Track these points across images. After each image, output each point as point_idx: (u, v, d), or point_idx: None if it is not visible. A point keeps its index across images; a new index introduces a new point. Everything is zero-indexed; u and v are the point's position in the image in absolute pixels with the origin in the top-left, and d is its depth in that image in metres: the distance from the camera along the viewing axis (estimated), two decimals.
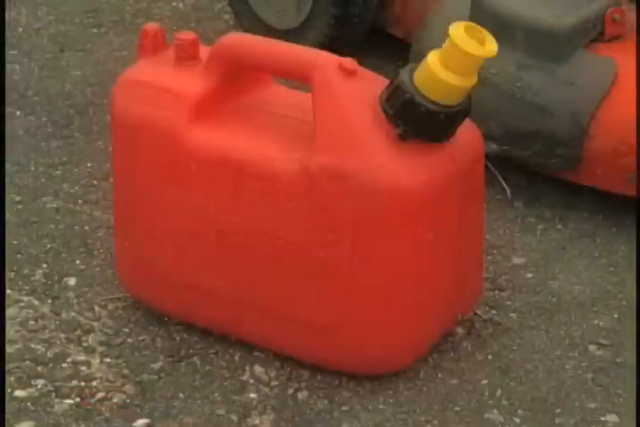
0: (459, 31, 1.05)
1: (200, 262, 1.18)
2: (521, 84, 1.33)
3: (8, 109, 1.57)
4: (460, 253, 1.16)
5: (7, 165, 1.45)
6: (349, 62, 1.11)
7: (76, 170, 1.44)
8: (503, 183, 1.38)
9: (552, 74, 1.32)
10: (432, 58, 1.07)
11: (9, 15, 1.71)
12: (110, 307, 1.26)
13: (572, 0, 1.38)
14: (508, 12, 1.35)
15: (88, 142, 1.46)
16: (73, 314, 1.25)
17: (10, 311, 1.25)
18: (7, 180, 1.44)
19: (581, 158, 1.32)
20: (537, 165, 1.37)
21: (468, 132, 1.13)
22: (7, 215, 1.38)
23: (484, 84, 1.24)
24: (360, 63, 1.14)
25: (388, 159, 1.09)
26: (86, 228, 1.36)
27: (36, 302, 1.27)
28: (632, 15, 1.39)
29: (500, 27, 1.30)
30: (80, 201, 1.40)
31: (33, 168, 1.46)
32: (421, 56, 1.10)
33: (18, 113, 1.55)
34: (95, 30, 1.70)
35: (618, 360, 1.19)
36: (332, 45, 1.52)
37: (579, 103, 1.31)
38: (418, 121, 1.08)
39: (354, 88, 1.10)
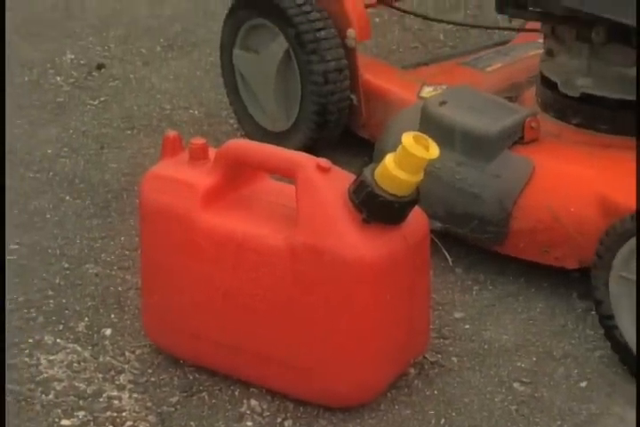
0: (409, 139, 1.06)
1: (208, 317, 1.17)
2: (459, 177, 1.33)
3: (60, 195, 1.56)
4: (412, 310, 1.16)
5: (58, 239, 1.45)
6: (325, 162, 1.11)
7: (112, 243, 1.43)
8: (446, 253, 1.38)
9: (483, 169, 1.31)
10: (388, 159, 1.08)
11: (62, 120, 1.71)
12: (137, 352, 1.25)
13: (498, 112, 1.38)
14: (449, 122, 1.35)
15: (122, 221, 1.46)
16: (108, 358, 1.24)
17: (58, 356, 1.24)
18: (58, 250, 1.43)
19: (507, 235, 1.31)
20: (472, 240, 1.36)
21: (416, 216, 1.14)
22: (57, 279, 1.38)
23: (431, 176, 1.24)
24: (334, 160, 1.14)
25: (355, 238, 1.09)
26: (119, 289, 1.35)
27: (79, 349, 1.26)
28: (546, 122, 1.38)
29: (443, 133, 1.31)
30: (115, 267, 1.39)
31: (78, 241, 1.45)
32: (382, 155, 1.11)
33: (67, 197, 1.54)
34: (129, 132, 1.69)
35: (536, 395, 1.18)
36: (313, 146, 1.52)
37: (504, 192, 1.31)
38: (377, 209, 1.08)
39: (328, 183, 1.11)
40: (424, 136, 1.08)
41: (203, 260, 1.15)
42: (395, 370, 1.18)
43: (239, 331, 1.15)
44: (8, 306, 1.31)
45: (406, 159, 1.06)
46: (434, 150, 1.07)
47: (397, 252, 1.11)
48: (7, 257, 1.39)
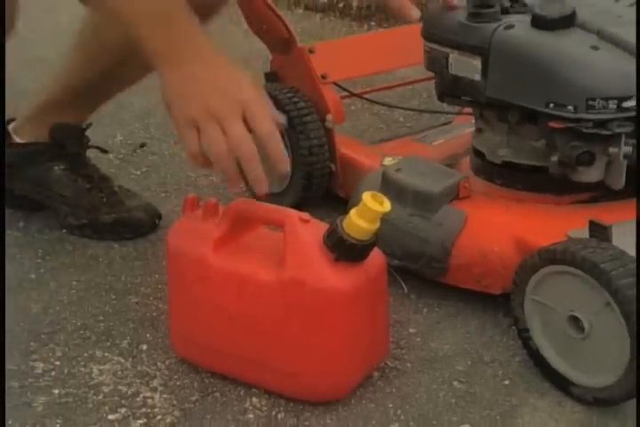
0: (367, 197, 1.08)
1: (218, 335, 1.18)
2: (411, 225, 1.32)
3: (110, 243, 1.53)
4: (374, 327, 1.17)
5: (108, 276, 1.45)
6: (305, 215, 1.13)
7: (149, 279, 1.43)
8: (402, 283, 1.38)
9: (429, 219, 1.30)
10: (352, 212, 1.09)
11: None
12: (167, 362, 1.26)
13: (440, 176, 1.36)
14: (403, 184, 1.33)
15: (157, 262, 1.45)
16: (144, 367, 1.25)
17: (106, 366, 1.24)
18: (107, 285, 1.42)
19: (448, 269, 1.31)
20: (422, 273, 1.35)
21: (376, 255, 1.15)
22: (106, 307, 1.37)
23: (389, 224, 1.25)
24: (318, 213, 1.16)
25: (328, 272, 1.11)
26: (154, 314, 1.35)
27: (122, 360, 1.26)
28: (476, 183, 1.37)
29: (399, 192, 1.32)
30: (151, 298, 1.39)
31: (123, 278, 1.45)
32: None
33: (116, 245, 1.53)
34: (163, 195, 1.69)
35: (470, 391, 1.19)
36: (302, 203, 1.53)
37: (445, 236, 1.30)
38: (345, 250, 1.10)
39: (308, 231, 1.12)
40: (380, 194, 1.09)
41: (213, 291, 1.16)
42: (362, 373, 1.19)
43: (242, 345, 1.16)
44: (69, 328, 1.32)
45: (366, 212, 1.08)
46: (387, 205, 1.09)
47: (361, 283, 1.12)
48: (70, 291, 1.41)
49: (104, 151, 1.62)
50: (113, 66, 1.44)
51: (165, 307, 1.33)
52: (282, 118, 1.11)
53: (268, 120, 1.01)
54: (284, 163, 1.08)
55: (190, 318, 1.20)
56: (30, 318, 1.35)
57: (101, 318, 1.35)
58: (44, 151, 1.53)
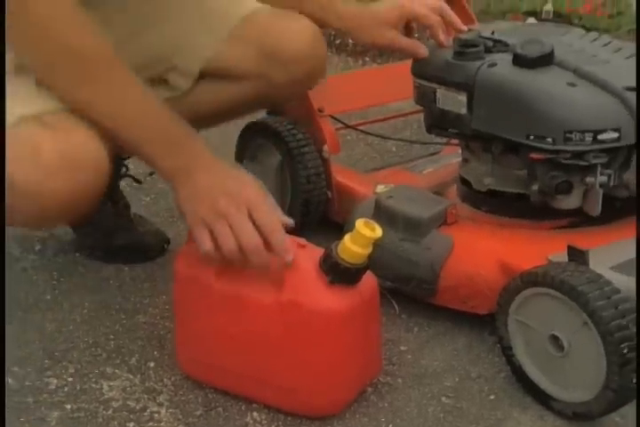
0: (360, 224, 1.08)
1: (220, 352, 1.17)
2: (402, 249, 1.31)
3: (120, 266, 1.52)
4: (368, 345, 1.17)
5: (118, 297, 1.44)
6: (302, 241, 1.12)
7: (157, 299, 1.42)
8: (394, 304, 1.38)
9: (419, 243, 1.30)
10: (346, 237, 1.09)
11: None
12: (173, 379, 1.25)
13: (429, 203, 1.35)
14: (394, 210, 1.33)
15: (164, 284, 1.44)
16: (151, 383, 1.24)
17: (116, 382, 1.24)
18: (118, 306, 1.42)
19: (437, 291, 1.30)
20: (413, 294, 1.35)
21: (368, 278, 1.14)
22: (116, 326, 1.36)
23: (382, 249, 1.23)
24: (313, 239, 1.15)
25: (324, 295, 1.10)
26: (161, 333, 1.34)
27: (131, 377, 1.26)
28: (463, 209, 1.37)
29: (390, 218, 1.32)
30: (158, 317, 1.38)
31: (132, 299, 1.44)
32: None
33: (126, 268, 1.52)
34: (170, 219, 1.66)
35: (458, 405, 1.18)
36: (301, 228, 1.49)
37: (434, 260, 1.29)
38: (339, 273, 1.09)
39: (305, 255, 1.12)
40: (371, 221, 1.09)
41: (216, 312, 1.15)
42: (357, 389, 1.18)
43: (243, 362, 1.16)
44: (81, 346, 1.32)
45: (358, 238, 1.08)
46: (378, 231, 1.09)
47: (355, 304, 1.11)
48: (83, 311, 1.41)
49: (137, 181, 1.62)
50: None
51: (172, 326, 1.31)
52: (290, 222, 1.12)
53: (270, 215, 1.06)
54: (288, 253, 1.09)
55: (195, 338, 1.19)
56: (45, 337, 1.34)
57: (112, 336, 1.34)
58: None
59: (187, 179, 1.05)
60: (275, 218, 1.07)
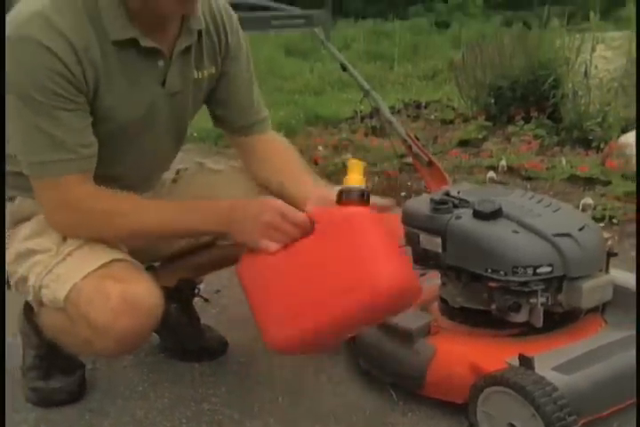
0: (350, 159, 1.14)
1: (295, 300, 1.09)
2: (397, 353, 1.30)
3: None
4: (393, 250, 1.13)
5: (189, 389, 1.42)
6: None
7: (217, 391, 1.38)
8: (393, 394, 1.35)
9: (410, 349, 1.28)
10: (345, 177, 1.13)
11: None
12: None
13: (416, 318, 1.33)
14: (389, 323, 1.30)
15: (224, 376, 1.42)
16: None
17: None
18: (189, 396, 1.40)
19: (424, 385, 1.28)
20: (406, 387, 1.33)
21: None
22: (188, 412, 1.34)
23: (382, 353, 1.25)
24: None
25: (346, 209, 1.12)
26: (220, 417, 1.30)
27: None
28: (444, 322, 1.37)
29: (387, 329, 1.31)
30: (218, 404, 1.34)
31: (200, 390, 1.40)
32: None
33: (196, 365, 1.47)
34: (228, 325, 1.62)
35: None
36: None
37: (422, 362, 1.28)
38: (352, 198, 1.12)
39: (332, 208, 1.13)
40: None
41: (280, 275, 1.11)
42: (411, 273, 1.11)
43: (313, 294, 1.07)
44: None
45: (353, 166, 1.13)
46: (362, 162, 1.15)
47: (369, 212, 1.12)
48: (164, 400, 1.39)
49: (206, 300, 1.65)
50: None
51: (229, 411, 1.31)
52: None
53: (292, 210, 1.11)
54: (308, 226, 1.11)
55: (274, 309, 1.10)
56: (136, 421, 1.34)
57: (184, 420, 1.33)
58: (167, 293, 1.56)
59: (233, 224, 1.12)
60: (294, 210, 1.11)
